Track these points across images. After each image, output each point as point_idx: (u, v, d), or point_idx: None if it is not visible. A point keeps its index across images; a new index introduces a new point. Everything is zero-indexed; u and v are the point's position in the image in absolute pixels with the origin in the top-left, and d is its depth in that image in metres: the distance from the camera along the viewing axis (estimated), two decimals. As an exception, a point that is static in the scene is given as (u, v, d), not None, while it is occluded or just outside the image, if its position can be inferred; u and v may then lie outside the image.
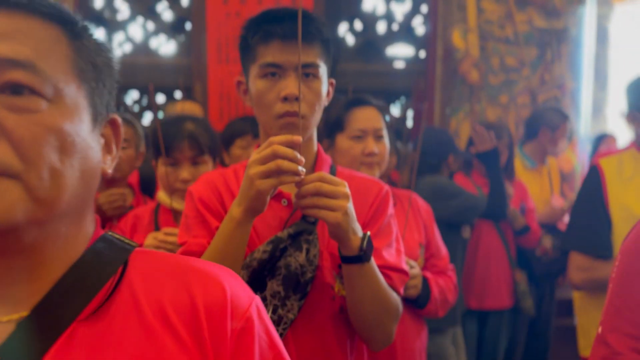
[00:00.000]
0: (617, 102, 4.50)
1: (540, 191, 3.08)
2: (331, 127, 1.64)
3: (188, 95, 3.77)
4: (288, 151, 0.92)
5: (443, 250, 1.72)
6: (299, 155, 0.93)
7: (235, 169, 1.19)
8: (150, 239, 1.50)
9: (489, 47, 3.45)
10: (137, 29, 4.03)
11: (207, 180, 1.17)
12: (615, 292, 0.96)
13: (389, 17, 4.06)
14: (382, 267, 1.11)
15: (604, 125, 4.29)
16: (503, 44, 3.45)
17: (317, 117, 1.12)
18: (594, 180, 1.76)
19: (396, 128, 4.34)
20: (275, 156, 0.92)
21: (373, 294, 1.05)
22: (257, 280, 1.06)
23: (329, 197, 0.95)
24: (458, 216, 2.30)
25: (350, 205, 0.97)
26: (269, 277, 1.06)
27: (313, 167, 1.19)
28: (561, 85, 3.48)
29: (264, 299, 1.05)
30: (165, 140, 1.58)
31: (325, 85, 1.13)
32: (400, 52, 4.11)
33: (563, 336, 3.39)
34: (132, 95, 4.23)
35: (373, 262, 1.04)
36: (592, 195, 1.75)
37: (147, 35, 4.04)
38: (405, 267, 1.17)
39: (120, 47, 4.05)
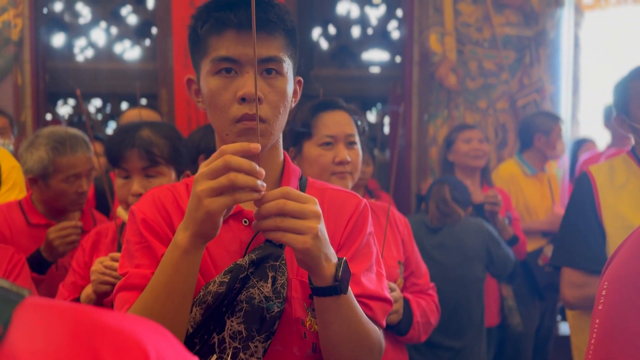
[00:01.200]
0: (589, 108, 4.47)
1: (542, 199, 2.97)
2: (297, 133, 1.49)
3: (153, 102, 3.58)
4: (243, 162, 0.76)
5: (423, 267, 1.58)
6: (257, 167, 0.77)
7: (187, 182, 1.02)
8: (97, 264, 1.32)
9: (467, 50, 3.35)
10: (100, 34, 3.84)
11: (152, 198, 1.00)
12: (605, 331, 0.75)
13: (363, 22, 3.94)
14: (360, 297, 0.96)
15: (577, 130, 4.24)
16: (481, 47, 3.35)
17: (282, 121, 0.97)
18: (585, 188, 1.63)
19: (372, 135, 4.21)
20: (227, 169, 0.76)
21: (351, 330, 0.89)
22: (213, 318, 0.89)
23: (296, 218, 0.79)
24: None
25: (322, 226, 0.82)
26: (227, 314, 0.89)
27: (279, 180, 1.03)
28: (540, 89, 3.39)
29: (221, 342, 0.89)
30: (115, 150, 1.41)
31: (290, 84, 0.98)
32: (375, 57, 3.99)
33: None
34: (95, 103, 4.02)
35: (350, 292, 0.89)
36: (583, 204, 1.62)
37: (111, 40, 3.85)
38: (388, 294, 1.02)
39: (82, 52, 3.84)
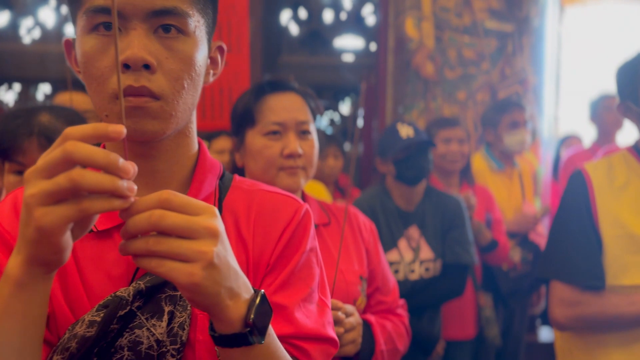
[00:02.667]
0: (571, 104, 4.29)
1: (509, 196, 2.75)
2: (239, 120, 1.23)
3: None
4: (95, 153, 0.50)
5: (391, 281, 1.33)
6: (121, 161, 0.51)
7: None
8: None
9: (445, 37, 3.11)
10: (48, 13, 3.51)
11: (13, 199, 0.73)
12: None
13: (336, 5, 3.68)
14: (293, 338, 0.71)
15: (557, 126, 4.05)
16: (460, 34, 3.12)
17: (189, 99, 0.71)
18: (579, 189, 1.40)
19: (345, 127, 3.96)
20: (68, 162, 0.50)
21: None
22: (79, 373, 0.63)
23: (180, 237, 0.53)
24: None
25: (221, 249, 0.55)
26: (101, 366, 0.64)
27: (190, 179, 0.77)
28: (523, 80, 3.17)
29: None
30: (6, 140, 1.13)
31: (202, 49, 0.72)
32: (349, 44, 3.74)
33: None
34: (44, 89, 3.70)
35: (272, 338, 0.63)
36: (576, 207, 1.39)
37: (61, 21, 3.53)
38: (332, 332, 0.77)
39: (28, 34, 3.51)
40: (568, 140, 4.21)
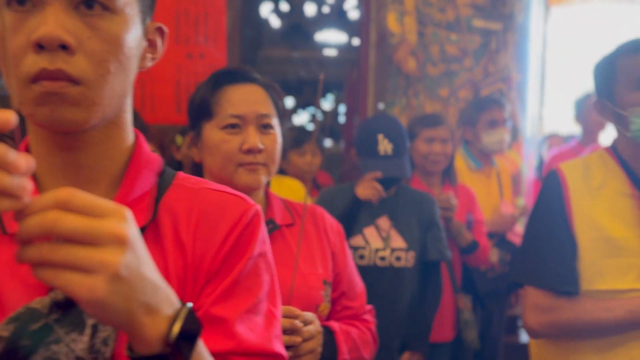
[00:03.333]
0: (554, 104, 4.27)
1: (488, 196, 2.70)
2: (195, 113, 1.16)
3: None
4: None
5: (358, 286, 1.27)
6: (12, 155, 0.44)
7: None
8: None
9: (428, 33, 3.05)
10: None
11: None
12: None
13: (319, -1, 3.62)
14: (234, 354, 0.64)
15: (541, 125, 4.02)
16: (444, 29, 3.06)
17: (115, 85, 0.63)
18: (554, 190, 1.34)
19: (326, 124, 3.90)
20: None
21: None
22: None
23: (81, 244, 0.46)
24: None
25: (132, 258, 0.48)
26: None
27: (121, 176, 0.70)
28: (506, 77, 3.13)
29: None
30: None
31: (133, 28, 0.64)
32: (331, 39, 3.67)
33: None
34: None
35: (201, 356, 0.57)
36: (550, 209, 1.33)
37: None
38: (279, 346, 0.70)
39: None
40: (549, 139, 4.18)
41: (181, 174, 0.77)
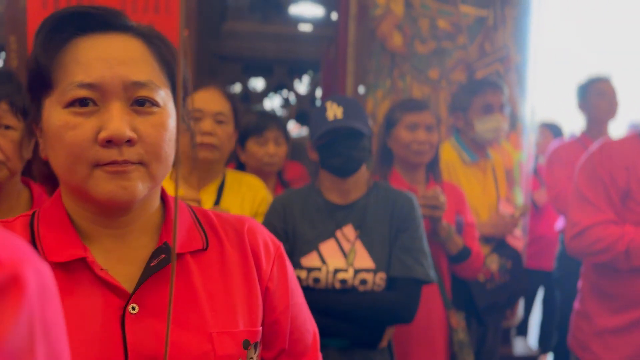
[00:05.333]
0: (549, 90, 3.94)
1: (484, 193, 2.34)
2: (31, 82, 0.73)
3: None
4: None
5: (308, 333, 0.86)
6: None
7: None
8: None
9: (417, 4, 2.64)
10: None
11: None
12: None
13: (293, -34, 3.18)
14: None
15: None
16: (434, 1, 2.65)
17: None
18: None
19: (301, 109, 3.48)
20: None
21: None
22: None
23: None
24: None
25: None
26: None
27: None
28: (505, 58, 2.74)
29: None
30: None
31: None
32: (307, 12, 3.25)
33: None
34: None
35: None
36: None
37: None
38: None
39: None
40: (543, 129, 3.83)
41: None
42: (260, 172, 2.05)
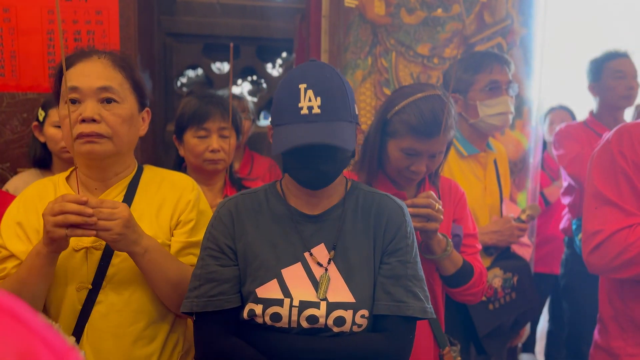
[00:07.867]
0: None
1: (484, 192, 1.93)
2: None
3: None
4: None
5: None
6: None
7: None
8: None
9: (403, -35, 2.21)
10: None
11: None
12: None
13: None
14: None
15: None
16: (423, -38, 2.22)
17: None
18: None
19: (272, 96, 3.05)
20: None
21: None
22: None
23: None
24: None
25: None
26: None
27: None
28: (508, 30, 2.31)
29: None
30: None
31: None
32: (276, -18, 2.81)
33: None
34: None
35: None
36: None
37: None
38: None
39: None
40: (551, 114, 3.41)
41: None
42: (202, 171, 1.62)
